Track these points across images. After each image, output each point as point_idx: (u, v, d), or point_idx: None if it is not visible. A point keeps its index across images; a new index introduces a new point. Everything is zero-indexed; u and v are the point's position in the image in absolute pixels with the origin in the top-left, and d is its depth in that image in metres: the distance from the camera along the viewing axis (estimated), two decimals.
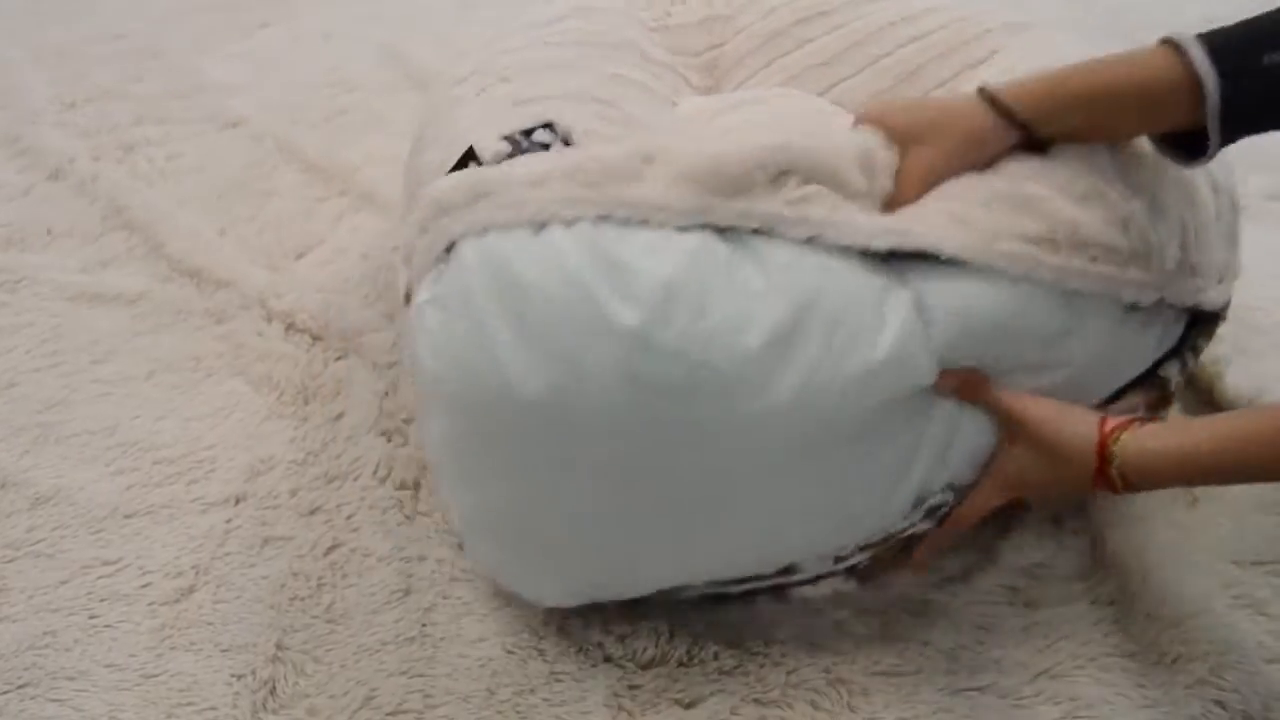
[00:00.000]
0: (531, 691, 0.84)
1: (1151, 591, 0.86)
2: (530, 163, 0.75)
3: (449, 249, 0.74)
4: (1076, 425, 0.75)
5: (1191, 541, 0.91)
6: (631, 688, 0.84)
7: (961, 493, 0.81)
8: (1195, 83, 0.68)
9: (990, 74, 0.88)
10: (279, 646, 0.87)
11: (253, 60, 1.74)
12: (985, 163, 0.77)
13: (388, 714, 0.83)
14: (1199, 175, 0.82)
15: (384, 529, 0.97)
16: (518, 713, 0.83)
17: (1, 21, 1.84)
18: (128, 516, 0.98)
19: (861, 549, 0.83)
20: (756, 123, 0.89)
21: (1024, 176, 0.76)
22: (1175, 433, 0.73)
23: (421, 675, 0.85)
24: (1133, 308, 0.78)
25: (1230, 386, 1.02)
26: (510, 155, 0.78)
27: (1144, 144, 0.79)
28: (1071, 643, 0.85)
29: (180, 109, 1.60)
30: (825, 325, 0.71)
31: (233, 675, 0.85)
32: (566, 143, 0.79)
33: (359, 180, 1.41)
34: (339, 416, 1.08)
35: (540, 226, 0.71)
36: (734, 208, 0.71)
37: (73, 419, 1.09)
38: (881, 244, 0.72)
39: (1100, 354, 0.79)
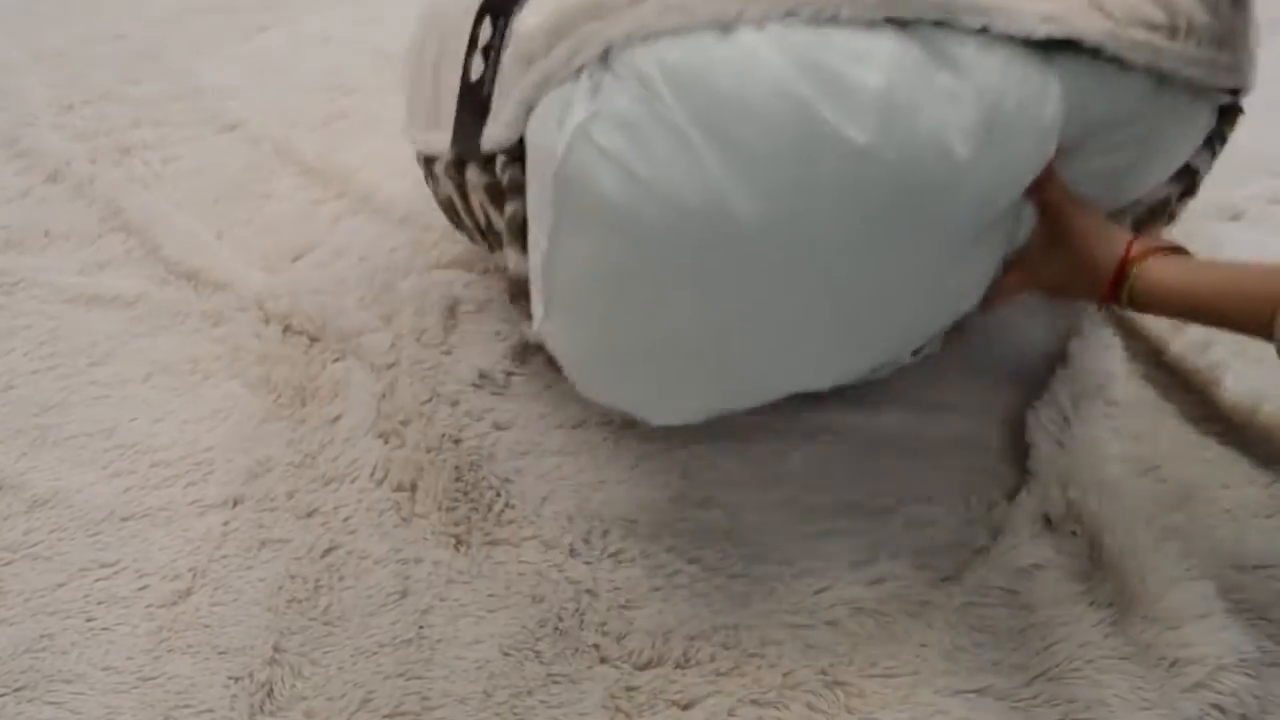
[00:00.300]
0: (529, 693, 0.84)
1: (1150, 594, 0.86)
2: None
3: (604, 57, 0.68)
4: (1108, 242, 0.79)
5: (1191, 544, 0.91)
6: (628, 689, 0.84)
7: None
8: None
9: None
10: (276, 649, 0.87)
11: (251, 63, 1.74)
12: None
13: (384, 716, 0.83)
14: None
15: (381, 531, 0.96)
16: (515, 715, 0.83)
17: None
18: (125, 519, 0.98)
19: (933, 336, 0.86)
20: None
21: None
22: (1185, 273, 0.76)
23: (418, 678, 0.85)
24: (1197, 93, 0.78)
25: (1228, 392, 1.02)
26: None
27: None
28: (1069, 645, 0.85)
29: (178, 111, 1.60)
30: (1009, 121, 0.70)
31: (230, 678, 0.85)
32: None
33: (357, 183, 1.41)
34: (336, 418, 1.07)
35: (724, 29, 0.66)
36: None
37: (70, 421, 1.08)
38: (1042, 32, 0.70)
39: (1164, 136, 0.80)
